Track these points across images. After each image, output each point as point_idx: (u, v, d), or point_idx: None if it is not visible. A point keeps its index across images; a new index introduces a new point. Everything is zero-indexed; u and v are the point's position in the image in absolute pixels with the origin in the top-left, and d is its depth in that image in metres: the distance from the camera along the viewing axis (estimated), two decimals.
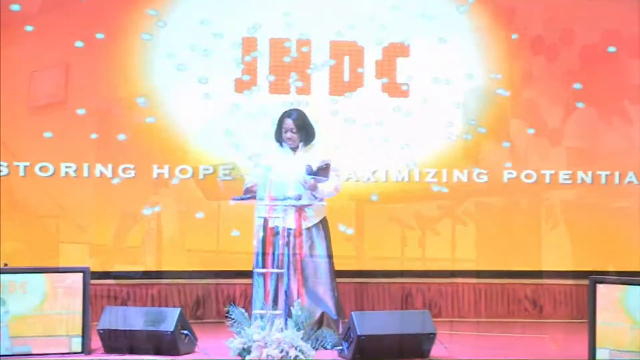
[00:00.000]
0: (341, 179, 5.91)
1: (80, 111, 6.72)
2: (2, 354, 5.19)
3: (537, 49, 7.02)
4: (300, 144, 5.72)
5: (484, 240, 7.07)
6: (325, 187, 5.63)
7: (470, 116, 7.03)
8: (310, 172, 5.51)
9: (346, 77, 7.00)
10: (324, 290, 5.64)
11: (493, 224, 7.09)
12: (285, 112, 5.78)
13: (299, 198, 5.51)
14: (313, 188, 5.58)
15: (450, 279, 7.03)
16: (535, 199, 7.10)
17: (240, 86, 6.94)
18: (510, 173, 7.09)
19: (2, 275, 5.27)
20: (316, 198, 5.61)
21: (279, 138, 5.76)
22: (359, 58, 7.00)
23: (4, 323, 5.25)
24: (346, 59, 7.01)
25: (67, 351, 5.29)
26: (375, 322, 5.26)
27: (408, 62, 7.03)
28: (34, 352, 5.28)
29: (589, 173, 7.07)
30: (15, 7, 6.58)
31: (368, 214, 7.00)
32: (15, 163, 6.68)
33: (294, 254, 5.56)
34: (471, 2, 7.00)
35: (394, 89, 7.02)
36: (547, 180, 7.10)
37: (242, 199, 5.53)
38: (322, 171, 5.47)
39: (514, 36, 7.03)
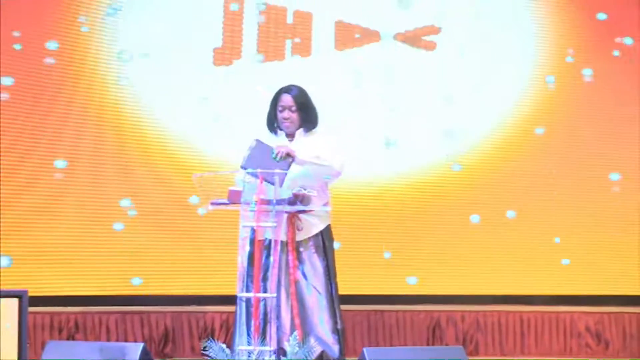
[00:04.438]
0: (345, 158, 5.24)
1: None
2: None
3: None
4: (301, 130, 5.18)
5: (532, 260, 6.67)
6: (315, 160, 5.05)
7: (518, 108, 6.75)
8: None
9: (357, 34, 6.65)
10: (323, 320, 5.17)
11: (544, 237, 6.70)
12: (283, 87, 5.31)
13: (293, 201, 4.90)
14: (286, 155, 4.93)
15: (490, 305, 6.56)
16: (596, 206, 6.79)
17: (221, 58, 6.48)
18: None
19: None
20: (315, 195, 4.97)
21: (272, 122, 5.24)
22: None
23: None
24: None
25: None
26: None
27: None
28: None
29: None
30: None
31: (381, 221, 6.56)
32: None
33: (287, 274, 5.11)
34: None
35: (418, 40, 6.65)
36: None
37: (222, 204, 4.88)
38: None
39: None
